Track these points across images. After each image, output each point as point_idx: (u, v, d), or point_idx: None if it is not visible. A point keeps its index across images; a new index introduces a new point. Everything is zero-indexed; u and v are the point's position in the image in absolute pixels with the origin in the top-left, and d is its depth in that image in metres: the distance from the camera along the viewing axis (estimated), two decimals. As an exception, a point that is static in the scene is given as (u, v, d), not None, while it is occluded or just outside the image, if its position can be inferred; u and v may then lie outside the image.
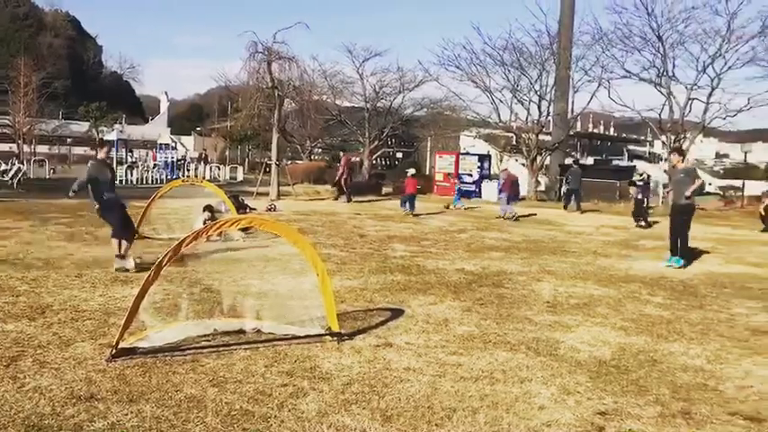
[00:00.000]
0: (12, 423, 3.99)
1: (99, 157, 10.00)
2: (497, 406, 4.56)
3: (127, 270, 8.75)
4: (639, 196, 19.21)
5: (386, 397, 4.64)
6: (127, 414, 4.18)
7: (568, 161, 31.31)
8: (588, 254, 12.66)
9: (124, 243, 9.12)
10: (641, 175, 19.20)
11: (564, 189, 26.26)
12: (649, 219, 18.88)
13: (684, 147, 27.46)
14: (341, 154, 25.37)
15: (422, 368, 5.29)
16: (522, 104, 32.14)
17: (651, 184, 19.07)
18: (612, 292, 8.82)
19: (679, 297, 8.69)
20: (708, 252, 13.20)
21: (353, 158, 26.07)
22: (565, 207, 24.63)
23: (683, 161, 11.60)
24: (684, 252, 11.06)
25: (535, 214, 21.75)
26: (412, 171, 22.72)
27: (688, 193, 10.75)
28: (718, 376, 5.44)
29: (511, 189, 20.55)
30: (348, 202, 23.91)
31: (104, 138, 11.44)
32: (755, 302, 8.51)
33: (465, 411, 4.44)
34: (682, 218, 11.04)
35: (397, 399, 4.61)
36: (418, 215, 19.47)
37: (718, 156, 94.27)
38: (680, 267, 10.84)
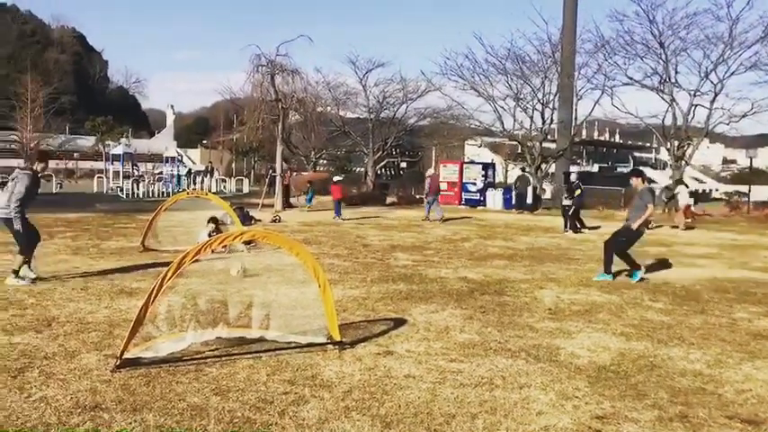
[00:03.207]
0: (18, 433, 4.08)
1: (36, 169, 9.06)
2: (496, 411, 4.61)
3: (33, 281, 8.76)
4: (568, 202, 19.19)
5: (386, 404, 4.70)
6: (131, 423, 4.25)
7: (570, 169, 31.43)
8: (591, 261, 12.69)
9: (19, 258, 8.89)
10: (573, 182, 19.30)
11: (514, 194, 28.95)
12: (577, 225, 18.90)
13: (688, 153, 27.56)
14: (283, 165, 26.28)
15: (422, 375, 5.34)
16: (526, 112, 32.34)
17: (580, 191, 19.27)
18: (614, 299, 8.86)
19: (681, 303, 8.72)
20: (712, 257, 13.23)
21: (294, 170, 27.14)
22: (518, 210, 27.54)
23: (642, 182, 10.95)
24: (608, 266, 10.50)
25: (470, 217, 23.30)
26: (338, 177, 23.70)
27: (634, 226, 10.28)
28: (717, 380, 5.47)
29: (437, 192, 22.45)
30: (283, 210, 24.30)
31: (44, 151, 10.94)
32: (758, 307, 8.54)
33: (464, 417, 4.50)
34: (622, 239, 10.55)
35: (396, 405, 4.67)
36: (346, 219, 20.46)
37: (725, 161, 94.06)
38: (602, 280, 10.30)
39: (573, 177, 20.13)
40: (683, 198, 21.83)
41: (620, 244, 10.50)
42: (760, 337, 6.97)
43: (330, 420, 4.38)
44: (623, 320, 7.57)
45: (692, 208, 22.24)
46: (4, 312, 7.08)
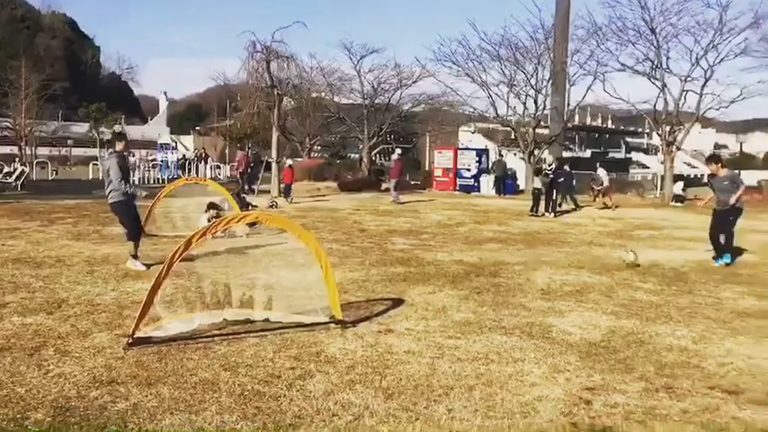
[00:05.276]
0: (41, 405, 4.31)
1: (118, 149, 9.64)
2: (492, 383, 4.88)
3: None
4: (539, 185, 19.66)
5: (388, 377, 4.96)
6: (147, 396, 4.49)
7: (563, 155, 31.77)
8: (583, 244, 12.99)
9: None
10: (550, 165, 19.85)
11: (492, 179, 30.16)
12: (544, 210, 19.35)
13: (679, 138, 27.84)
14: (240, 152, 26.81)
15: (421, 351, 5.61)
16: (519, 99, 32.53)
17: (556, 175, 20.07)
18: (605, 280, 9.14)
19: (669, 283, 9.01)
20: (701, 240, 13.49)
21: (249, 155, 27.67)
22: (497, 193, 28.82)
23: (722, 167, 11.06)
24: (730, 248, 10.91)
25: (465, 203, 24.04)
26: (289, 162, 24.62)
27: (733, 201, 10.56)
28: (701, 355, 5.76)
29: (398, 176, 23.64)
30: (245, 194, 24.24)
31: (120, 132, 11.69)
32: (743, 287, 8.83)
33: (461, 389, 4.76)
34: (729, 219, 10.82)
35: (398, 378, 4.93)
36: (298, 203, 21.80)
37: (716, 146, 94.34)
38: (729, 263, 10.66)
39: (550, 160, 20.54)
40: (605, 180, 23.80)
41: (728, 225, 10.79)
42: (743, 314, 7.27)
43: (335, 393, 4.64)
44: (613, 300, 7.85)
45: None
46: (14, 295, 7.31)
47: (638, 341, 6.13)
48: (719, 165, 11.09)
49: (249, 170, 26.31)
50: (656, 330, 6.52)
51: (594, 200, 24.35)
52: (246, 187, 24.61)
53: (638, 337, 6.25)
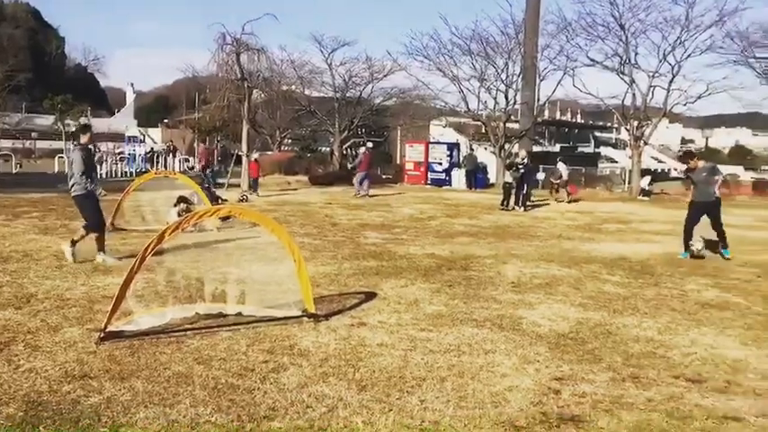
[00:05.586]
0: (12, 400, 4.28)
1: (83, 142, 9.48)
2: (463, 374, 4.96)
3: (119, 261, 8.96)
4: (510, 180, 19.88)
5: (361, 369, 5.01)
6: (120, 390, 4.49)
7: (529, 149, 32.03)
8: (552, 237, 13.18)
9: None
10: (522, 159, 20.13)
11: (463, 171, 30.26)
12: (516, 204, 19.53)
13: (647, 133, 28.32)
14: (201, 146, 26.60)
15: (394, 343, 5.67)
16: (490, 93, 32.78)
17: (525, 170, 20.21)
18: (574, 273, 9.30)
19: (636, 276, 9.20)
20: (667, 234, 13.80)
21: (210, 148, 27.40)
22: (468, 187, 28.95)
23: (697, 160, 11.36)
24: (723, 240, 11.10)
25: (436, 197, 23.94)
26: (255, 156, 24.67)
27: (715, 189, 10.90)
28: (666, 345, 5.92)
29: (368, 168, 23.73)
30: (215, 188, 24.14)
31: (85, 124, 11.66)
32: (707, 280, 9.06)
33: (434, 380, 4.84)
34: (709, 211, 11.04)
35: (371, 371, 4.99)
36: (267, 196, 21.75)
37: (683, 141, 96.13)
38: (728, 258, 10.87)
39: (523, 154, 20.77)
40: (565, 174, 24.41)
41: (717, 219, 11.03)
42: (707, 306, 7.47)
43: (309, 385, 4.68)
44: (582, 292, 8.00)
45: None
46: (-19, 290, 7.19)
47: (606, 332, 6.27)
48: (696, 158, 11.44)
49: (212, 164, 25.90)
50: (623, 322, 6.67)
51: (551, 193, 24.74)
52: (211, 181, 24.38)
53: (606, 329, 6.39)
